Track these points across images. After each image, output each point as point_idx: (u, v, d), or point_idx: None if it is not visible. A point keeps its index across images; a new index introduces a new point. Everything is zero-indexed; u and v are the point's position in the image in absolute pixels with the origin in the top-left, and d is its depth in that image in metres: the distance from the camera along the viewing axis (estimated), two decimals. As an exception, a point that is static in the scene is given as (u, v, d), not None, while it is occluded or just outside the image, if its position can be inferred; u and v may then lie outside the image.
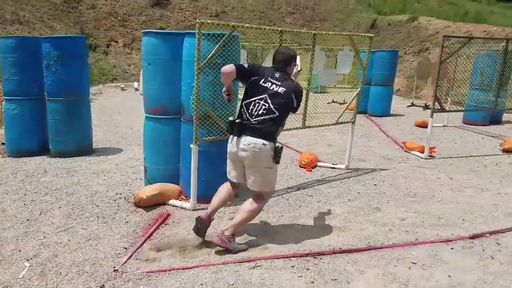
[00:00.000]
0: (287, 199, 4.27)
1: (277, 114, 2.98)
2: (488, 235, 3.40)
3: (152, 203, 3.93)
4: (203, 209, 3.68)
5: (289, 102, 3.05)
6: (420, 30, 17.54)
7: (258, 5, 22.94)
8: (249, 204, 3.11)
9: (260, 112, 2.98)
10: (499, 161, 6.03)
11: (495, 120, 9.20)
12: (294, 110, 3.19)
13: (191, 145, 3.68)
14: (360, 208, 4.07)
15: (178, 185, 4.21)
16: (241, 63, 3.66)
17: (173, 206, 3.97)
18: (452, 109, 6.16)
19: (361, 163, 5.90)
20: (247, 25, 3.87)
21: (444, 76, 6.13)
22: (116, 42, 18.88)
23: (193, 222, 3.19)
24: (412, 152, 6.46)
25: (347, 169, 5.49)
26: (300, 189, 4.62)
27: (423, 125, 8.59)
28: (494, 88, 6.32)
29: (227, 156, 3.18)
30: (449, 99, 9.05)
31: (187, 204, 3.92)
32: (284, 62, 3.16)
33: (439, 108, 5.92)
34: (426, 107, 11.25)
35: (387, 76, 10.04)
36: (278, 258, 2.95)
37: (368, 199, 4.34)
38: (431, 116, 5.89)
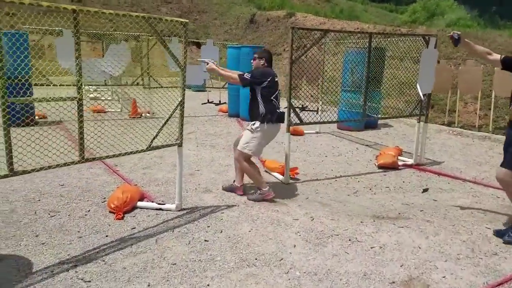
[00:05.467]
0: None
1: None
2: None
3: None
4: None
5: None
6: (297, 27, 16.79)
7: (129, -9, 20.19)
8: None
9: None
10: (374, 185, 4.85)
11: (371, 124, 8.32)
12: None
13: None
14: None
15: None
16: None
17: None
18: (310, 122, 4.87)
19: (204, 196, 4.28)
20: None
21: (301, 76, 4.87)
22: None
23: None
24: (273, 173, 5.05)
25: (179, 211, 3.81)
26: (77, 264, 2.75)
27: (295, 133, 7.39)
28: (363, 90, 5.18)
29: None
30: (320, 101, 8.03)
31: None
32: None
33: (299, 121, 4.64)
34: (303, 108, 10.26)
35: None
36: None
37: (181, 280, 2.66)
38: (287, 130, 4.49)
